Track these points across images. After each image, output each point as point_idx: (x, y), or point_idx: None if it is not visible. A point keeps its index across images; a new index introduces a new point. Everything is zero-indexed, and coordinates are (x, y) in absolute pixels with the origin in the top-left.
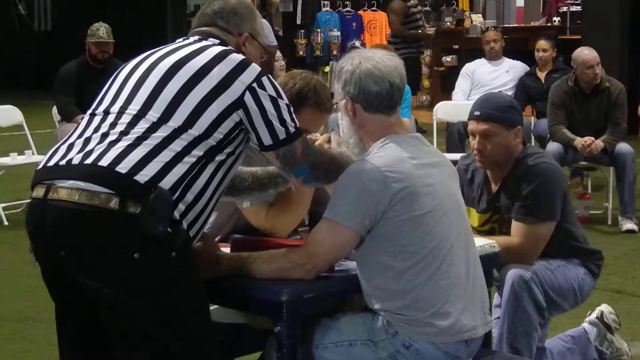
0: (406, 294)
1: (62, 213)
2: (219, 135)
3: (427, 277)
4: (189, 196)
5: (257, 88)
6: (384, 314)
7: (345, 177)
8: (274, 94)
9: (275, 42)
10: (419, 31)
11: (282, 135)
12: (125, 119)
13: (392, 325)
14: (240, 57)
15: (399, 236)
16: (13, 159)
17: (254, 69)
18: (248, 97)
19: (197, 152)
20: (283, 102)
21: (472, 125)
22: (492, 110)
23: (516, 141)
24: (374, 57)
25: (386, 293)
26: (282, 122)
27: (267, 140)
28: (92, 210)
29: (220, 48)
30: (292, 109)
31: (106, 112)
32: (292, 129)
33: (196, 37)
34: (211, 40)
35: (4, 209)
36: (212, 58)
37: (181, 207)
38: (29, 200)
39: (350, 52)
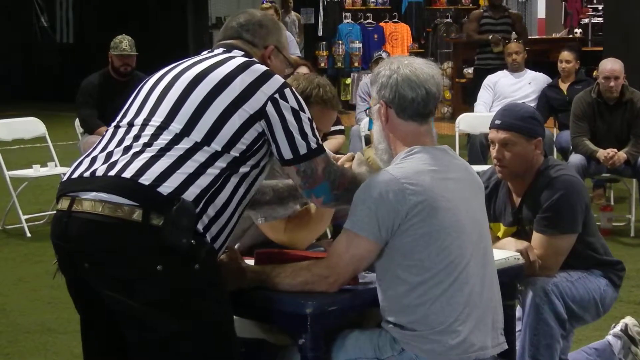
0: (416, 309)
1: (86, 225)
2: (241, 146)
3: (439, 293)
4: (212, 209)
5: (279, 99)
6: (391, 329)
7: (364, 187)
8: (296, 106)
9: (298, 52)
10: (489, 37)
11: (302, 149)
12: (149, 130)
13: (398, 342)
14: (263, 68)
15: (415, 250)
16: (36, 171)
17: (277, 80)
18: (270, 108)
19: (221, 163)
20: (305, 116)
21: (492, 134)
22: (513, 119)
23: (536, 152)
24: (412, 63)
25: (398, 306)
26: (304, 135)
27: (287, 153)
28: (116, 222)
29: (244, 59)
30: (314, 124)
31: (130, 125)
32: (313, 144)
33: (221, 50)
34: (235, 52)
35: (27, 220)
36: (235, 68)
37: (204, 219)
38: (54, 212)
39: (388, 58)
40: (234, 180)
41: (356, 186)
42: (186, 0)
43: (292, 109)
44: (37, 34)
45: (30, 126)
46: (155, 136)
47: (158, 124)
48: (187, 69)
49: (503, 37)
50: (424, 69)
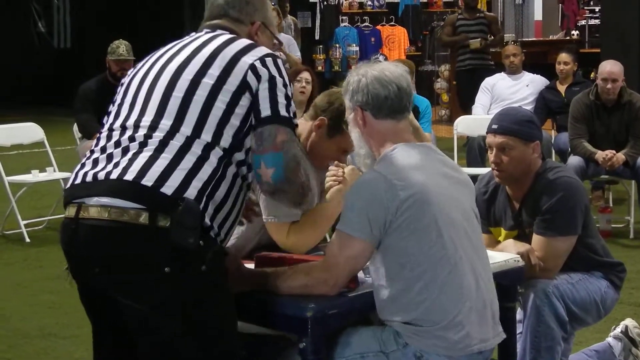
0: (417, 306)
1: (94, 231)
2: (230, 130)
3: (437, 287)
4: (218, 196)
5: (258, 65)
6: (393, 324)
7: (354, 188)
8: (275, 73)
9: (299, 54)
10: (464, 38)
11: (266, 112)
12: (142, 131)
13: (401, 336)
14: (247, 41)
15: (408, 246)
16: (34, 176)
17: (261, 50)
18: (250, 76)
19: (216, 152)
20: (280, 82)
21: (490, 138)
22: (510, 123)
23: (534, 156)
24: (379, 66)
25: (397, 304)
26: (274, 102)
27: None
28: (123, 226)
29: (228, 36)
30: (291, 100)
31: (123, 127)
32: (282, 112)
33: (205, 31)
34: (220, 32)
35: (26, 226)
36: (219, 46)
37: (210, 210)
38: (53, 217)
39: (355, 67)
40: (232, 168)
41: (308, 196)
42: (183, 4)
43: (270, 75)
44: (35, 39)
45: (28, 131)
46: (148, 136)
47: (148, 123)
48: (171, 59)
49: (480, 37)
50: (391, 68)
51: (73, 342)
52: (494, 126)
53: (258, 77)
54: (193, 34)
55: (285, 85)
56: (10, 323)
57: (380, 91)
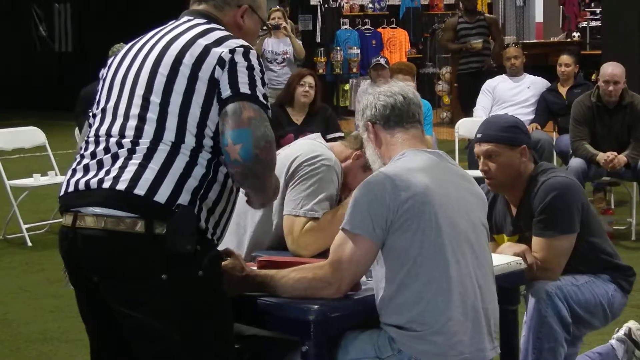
0: (412, 307)
1: (91, 240)
2: (210, 131)
3: (432, 289)
4: (210, 198)
5: (225, 56)
6: (388, 329)
7: (358, 188)
8: (239, 59)
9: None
10: (469, 45)
11: (226, 92)
12: (128, 137)
13: (395, 342)
14: (223, 33)
15: (407, 246)
16: (36, 180)
17: (233, 42)
18: (218, 71)
19: (205, 154)
20: (243, 64)
21: (476, 148)
22: (493, 131)
23: (522, 160)
24: (384, 85)
25: (393, 304)
26: (234, 83)
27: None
28: (120, 235)
29: (205, 26)
30: (258, 82)
31: (109, 134)
32: (245, 90)
33: (184, 19)
34: (198, 20)
35: (28, 229)
36: (192, 37)
37: (204, 212)
38: (55, 222)
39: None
40: (223, 169)
41: (276, 183)
42: (183, 8)
43: (233, 61)
44: (36, 43)
45: (30, 135)
46: (135, 143)
47: (133, 131)
48: (149, 52)
49: (482, 39)
50: (398, 83)
51: (75, 346)
52: (479, 135)
53: (222, 67)
54: (172, 22)
55: (249, 68)
56: (12, 327)
57: (387, 101)
